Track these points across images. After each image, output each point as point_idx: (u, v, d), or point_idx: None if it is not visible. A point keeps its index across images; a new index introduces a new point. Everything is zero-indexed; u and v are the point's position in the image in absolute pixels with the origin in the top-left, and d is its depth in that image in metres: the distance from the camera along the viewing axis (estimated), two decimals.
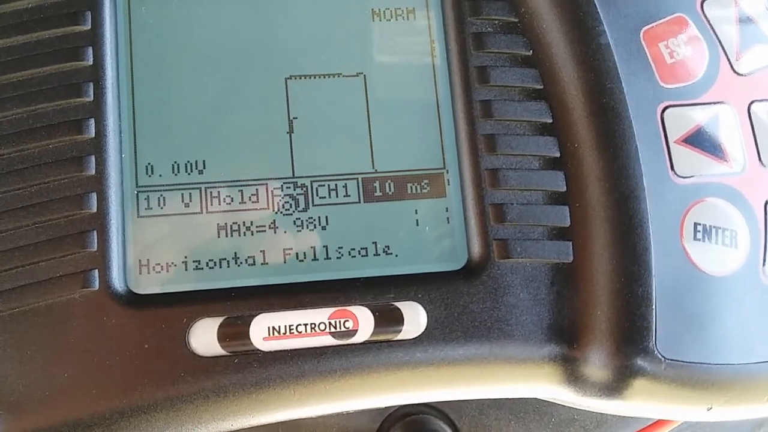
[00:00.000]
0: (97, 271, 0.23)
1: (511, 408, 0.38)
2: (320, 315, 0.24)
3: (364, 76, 0.27)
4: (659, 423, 0.34)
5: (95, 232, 0.23)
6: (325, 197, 0.26)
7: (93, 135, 0.24)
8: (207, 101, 0.26)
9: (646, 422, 0.35)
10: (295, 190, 0.26)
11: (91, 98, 0.24)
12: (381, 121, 0.27)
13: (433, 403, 0.38)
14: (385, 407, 0.37)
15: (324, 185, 0.26)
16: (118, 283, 0.24)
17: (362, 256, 0.26)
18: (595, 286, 0.25)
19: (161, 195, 0.25)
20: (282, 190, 0.26)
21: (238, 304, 0.24)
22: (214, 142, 0.26)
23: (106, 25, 0.25)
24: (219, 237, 0.25)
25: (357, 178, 0.26)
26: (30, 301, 0.23)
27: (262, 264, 0.25)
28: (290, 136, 0.26)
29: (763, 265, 0.26)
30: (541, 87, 0.26)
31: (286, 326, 0.24)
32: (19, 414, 0.22)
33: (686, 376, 0.25)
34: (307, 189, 0.26)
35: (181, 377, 0.23)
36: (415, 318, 0.25)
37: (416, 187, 0.26)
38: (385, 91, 0.27)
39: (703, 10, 0.28)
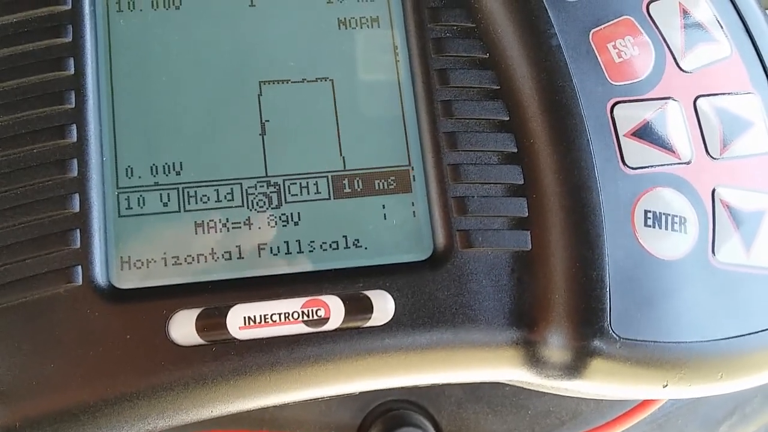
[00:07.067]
0: (80, 267, 0.25)
1: (489, 402, 0.39)
2: (293, 304, 0.26)
3: (333, 80, 0.28)
4: (633, 411, 0.35)
5: (78, 230, 0.25)
6: (297, 194, 0.27)
7: (75, 140, 0.25)
8: (183, 106, 0.27)
9: (620, 412, 0.36)
10: (268, 188, 0.27)
11: (73, 105, 0.26)
12: (349, 122, 0.28)
13: (413, 399, 0.39)
14: (367, 404, 0.38)
15: (296, 183, 0.27)
16: (100, 278, 0.25)
17: (333, 249, 0.27)
18: (552, 272, 0.26)
19: (141, 195, 0.26)
20: (256, 189, 0.27)
21: (215, 296, 0.25)
22: (190, 145, 0.27)
23: (86, 37, 0.27)
24: (196, 234, 0.26)
25: (327, 176, 0.28)
26: (17, 297, 0.24)
27: (238, 258, 0.26)
28: (263, 138, 0.28)
29: (713, 248, 0.28)
30: (498, 87, 0.28)
31: (261, 315, 0.25)
32: (8, 403, 0.23)
33: (641, 353, 0.26)
34: (279, 187, 0.27)
35: (162, 366, 0.24)
36: (383, 306, 0.26)
37: (383, 183, 0.28)
38: (353, 94, 0.28)
39: (648, 12, 0.30)
